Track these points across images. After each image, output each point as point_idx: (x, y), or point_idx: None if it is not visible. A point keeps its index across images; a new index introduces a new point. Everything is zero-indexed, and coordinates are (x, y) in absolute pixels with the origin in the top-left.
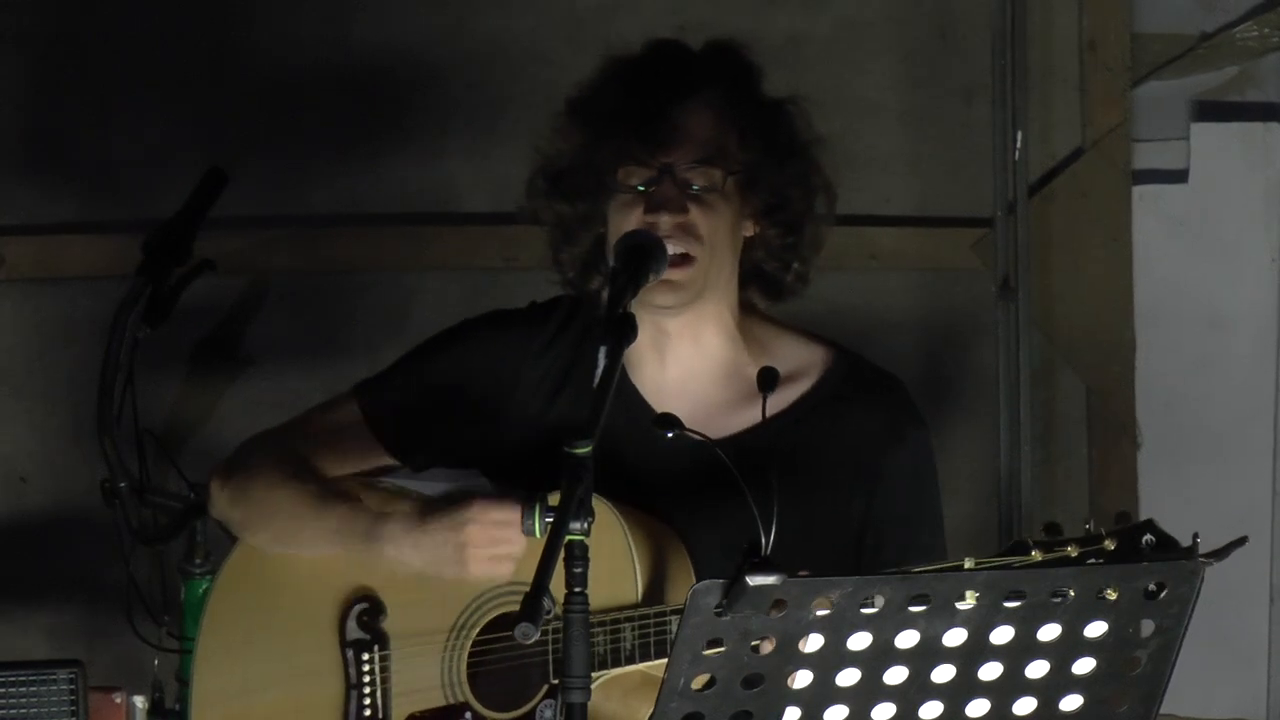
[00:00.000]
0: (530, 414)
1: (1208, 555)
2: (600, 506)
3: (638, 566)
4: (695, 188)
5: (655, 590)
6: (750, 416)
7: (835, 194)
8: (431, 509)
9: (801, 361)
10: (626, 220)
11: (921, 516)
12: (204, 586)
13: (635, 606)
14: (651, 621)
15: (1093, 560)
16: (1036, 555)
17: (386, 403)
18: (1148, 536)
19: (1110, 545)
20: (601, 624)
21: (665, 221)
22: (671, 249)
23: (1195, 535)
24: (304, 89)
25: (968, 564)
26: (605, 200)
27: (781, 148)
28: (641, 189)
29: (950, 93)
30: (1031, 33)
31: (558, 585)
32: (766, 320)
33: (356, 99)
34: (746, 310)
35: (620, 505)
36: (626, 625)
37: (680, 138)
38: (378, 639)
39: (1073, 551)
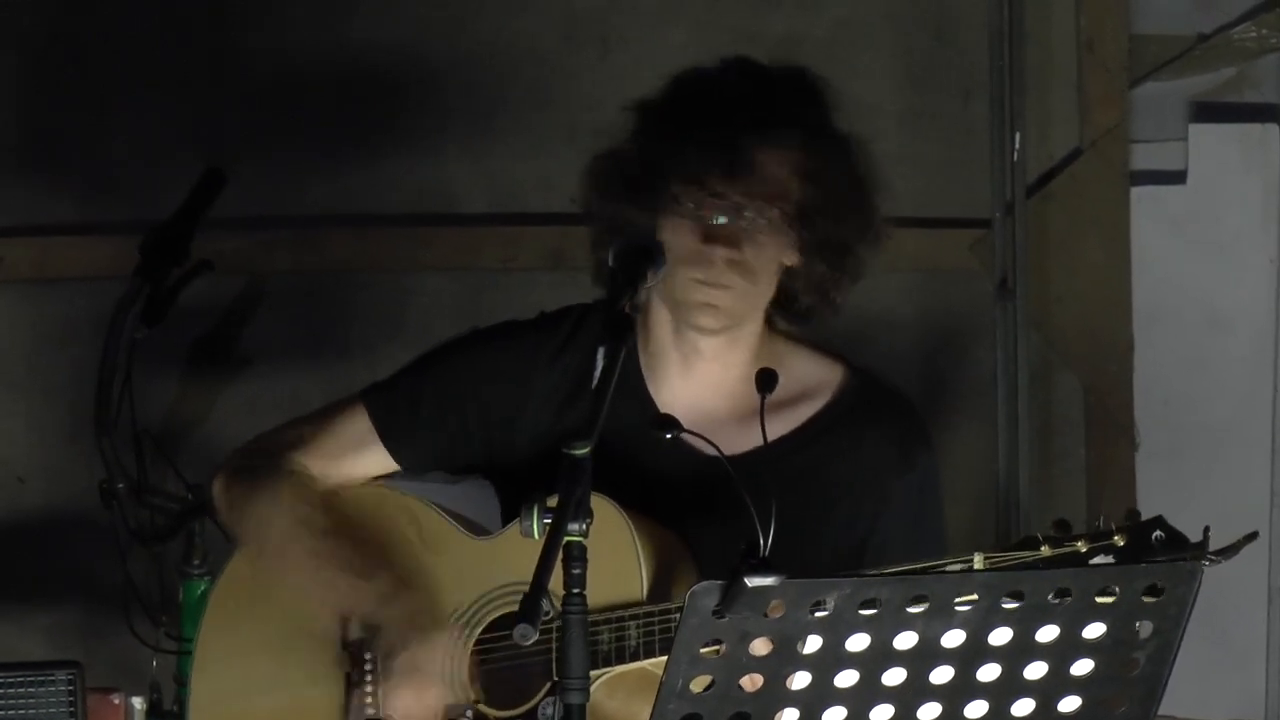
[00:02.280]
0: (541, 424)
1: (1218, 552)
2: (606, 505)
3: (643, 564)
4: (756, 224)
5: (661, 588)
6: (766, 430)
7: (885, 233)
8: (404, 623)
9: (816, 379)
10: (680, 239)
11: (922, 540)
12: (202, 587)
13: (640, 604)
14: (657, 618)
15: (1102, 556)
16: (1046, 550)
17: (394, 409)
18: (1158, 533)
19: (1120, 541)
20: (607, 621)
21: (720, 254)
22: (718, 278)
23: (1206, 529)
24: (302, 89)
25: (977, 559)
26: (662, 210)
27: (844, 193)
28: (700, 212)
29: (948, 93)
30: (1029, 33)
31: (556, 587)
32: (782, 336)
33: (354, 99)
34: (766, 326)
35: (627, 508)
36: (631, 622)
37: (754, 176)
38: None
39: (1082, 547)
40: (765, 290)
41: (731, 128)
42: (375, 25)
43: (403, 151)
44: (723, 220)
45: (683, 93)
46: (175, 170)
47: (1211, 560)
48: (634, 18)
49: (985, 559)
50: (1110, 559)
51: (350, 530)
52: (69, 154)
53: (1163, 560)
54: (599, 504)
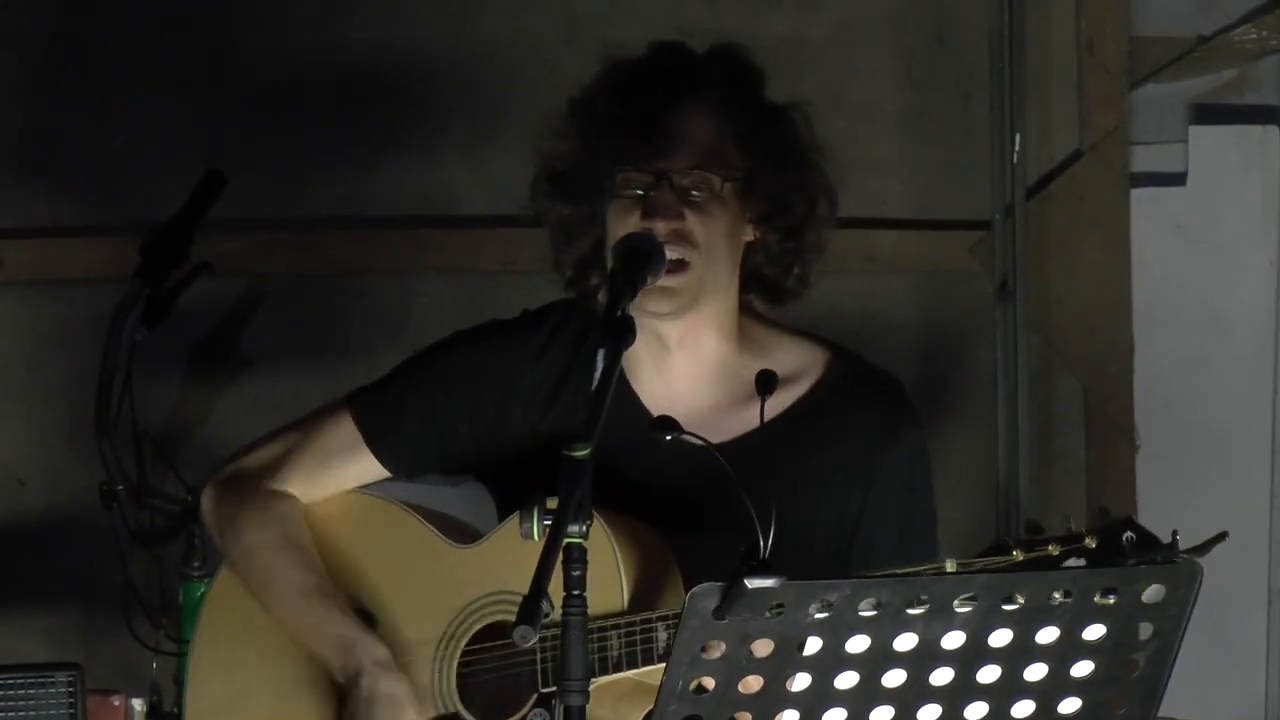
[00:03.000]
0: (527, 421)
1: (1188, 551)
2: None
3: (623, 574)
4: (692, 194)
5: (642, 597)
6: (749, 419)
7: (836, 199)
8: (378, 689)
9: (800, 363)
10: (624, 224)
11: (915, 515)
12: (202, 589)
13: (622, 614)
14: (638, 629)
15: (1074, 560)
16: (1018, 555)
17: (380, 412)
18: (1128, 534)
19: (1091, 543)
20: (588, 632)
21: (661, 227)
22: (666, 254)
23: (1175, 532)
24: (302, 91)
25: (949, 566)
26: (604, 203)
27: (780, 153)
28: (639, 193)
29: (948, 95)
30: (1029, 35)
31: (555, 589)
32: (765, 322)
33: (355, 101)
34: (745, 312)
35: (608, 512)
36: (613, 633)
37: (677, 143)
38: None
39: (1054, 550)
40: (720, 266)
41: (646, 100)
42: (375, 26)
43: (403, 153)
44: (654, 191)
45: (604, 82)
46: (175, 171)
47: (1184, 558)
48: (634, 19)
49: (959, 566)
50: (1082, 562)
51: (332, 560)
52: (69, 155)
53: (1162, 561)
54: None
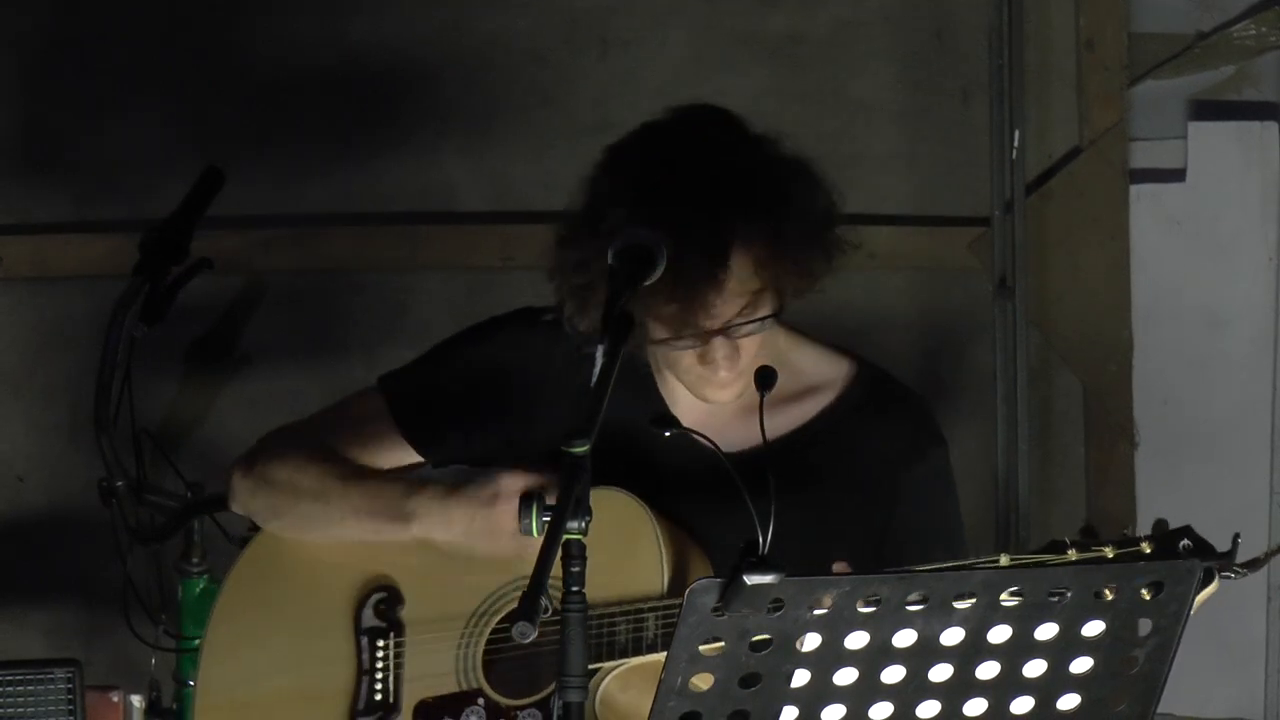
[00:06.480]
0: (558, 416)
1: (1244, 564)
2: (629, 499)
3: (664, 557)
4: (746, 331)
5: (680, 582)
6: (771, 427)
7: (848, 247)
8: (460, 484)
9: (823, 374)
10: (677, 361)
11: (940, 533)
12: (200, 585)
13: (661, 597)
14: (677, 612)
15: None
16: (1072, 555)
17: (412, 394)
18: (1185, 542)
19: (1148, 549)
20: (625, 613)
21: (723, 375)
22: (724, 383)
23: (1236, 536)
24: (301, 88)
25: (1003, 560)
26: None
27: (817, 249)
28: (690, 345)
29: (947, 92)
30: (1028, 32)
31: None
32: (790, 331)
33: (354, 98)
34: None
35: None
36: (650, 615)
37: (731, 296)
38: (394, 627)
39: (1109, 553)
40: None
41: (707, 265)
42: (375, 25)
43: (402, 150)
44: (710, 348)
45: (658, 205)
46: (174, 168)
47: (1238, 573)
48: (634, 18)
49: (1012, 561)
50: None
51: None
52: (67, 153)
53: (1161, 558)
54: (623, 499)
